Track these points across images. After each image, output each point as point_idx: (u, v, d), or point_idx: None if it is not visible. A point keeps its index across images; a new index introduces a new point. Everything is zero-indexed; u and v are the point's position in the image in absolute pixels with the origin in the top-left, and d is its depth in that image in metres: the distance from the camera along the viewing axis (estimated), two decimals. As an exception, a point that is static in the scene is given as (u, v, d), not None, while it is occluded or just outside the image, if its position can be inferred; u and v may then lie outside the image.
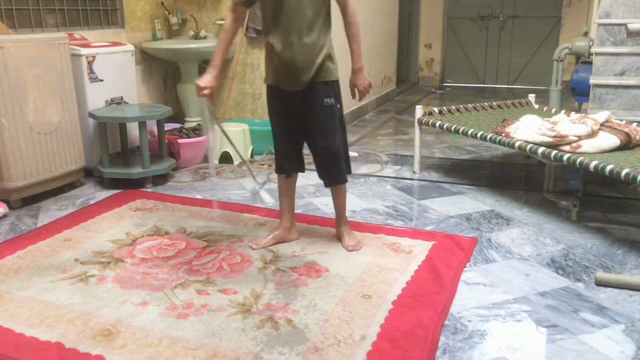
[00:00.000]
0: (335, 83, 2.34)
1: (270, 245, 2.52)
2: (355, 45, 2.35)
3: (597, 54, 3.77)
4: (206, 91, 2.26)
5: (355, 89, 2.39)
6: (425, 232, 2.69)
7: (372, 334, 1.83)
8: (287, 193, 2.54)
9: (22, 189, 3.04)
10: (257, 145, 4.02)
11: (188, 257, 2.44)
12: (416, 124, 3.60)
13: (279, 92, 2.34)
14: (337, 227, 2.57)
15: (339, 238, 2.54)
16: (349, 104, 5.28)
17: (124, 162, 3.53)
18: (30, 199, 3.13)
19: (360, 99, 2.45)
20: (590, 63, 4.07)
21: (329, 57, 2.31)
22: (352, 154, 4.17)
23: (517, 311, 1.99)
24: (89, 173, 3.56)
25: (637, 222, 2.85)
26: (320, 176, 2.46)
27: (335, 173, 2.42)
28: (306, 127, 2.36)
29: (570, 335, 1.85)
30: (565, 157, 2.70)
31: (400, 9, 6.77)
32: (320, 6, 2.25)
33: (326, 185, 2.47)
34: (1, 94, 2.86)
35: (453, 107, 3.75)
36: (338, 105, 2.35)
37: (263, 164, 3.81)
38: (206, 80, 2.27)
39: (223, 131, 2.61)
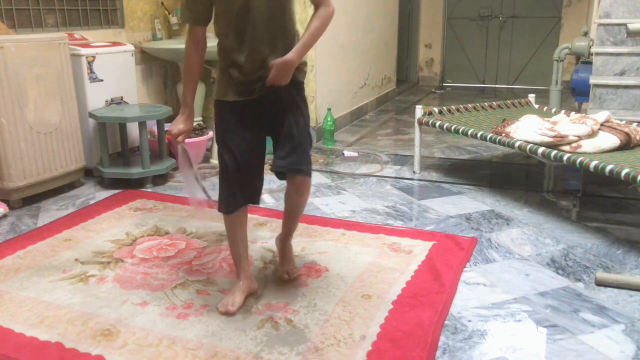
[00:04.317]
0: (301, 84, 2.01)
1: (242, 304, 2.03)
2: (310, 37, 1.86)
3: (597, 54, 3.77)
4: (180, 138, 1.98)
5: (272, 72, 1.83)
6: (425, 232, 2.69)
7: (372, 334, 1.83)
8: (240, 236, 2.06)
9: (22, 189, 3.04)
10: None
11: (188, 257, 2.44)
12: (416, 124, 3.60)
13: (238, 106, 1.93)
14: (280, 247, 2.24)
15: (281, 260, 2.24)
16: (347, 104, 5.30)
17: (124, 162, 3.53)
18: (30, 199, 3.13)
19: (269, 83, 1.84)
20: (590, 63, 4.07)
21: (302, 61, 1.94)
22: (352, 154, 4.17)
23: (517, 311, 1.99)
24: (89, 173, 3.56)
25: (637, 222, 2.85)
26: (283, 162, 1.94)
27: (301, 157, 1.93)
28: (271, 132, 2.00)
29: (570, 335, 1.85)
30: (565, 157, 2.70)
31: (400, 9, 6.77)
32: (290, 9, 1.87)
33: (288, 171, 1.95)
34: (1, 94, 2.86)
35: (453, 107, 3.75)
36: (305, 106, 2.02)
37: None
38: (178, 125, 1.97)
39: (197, 178, 2.16)
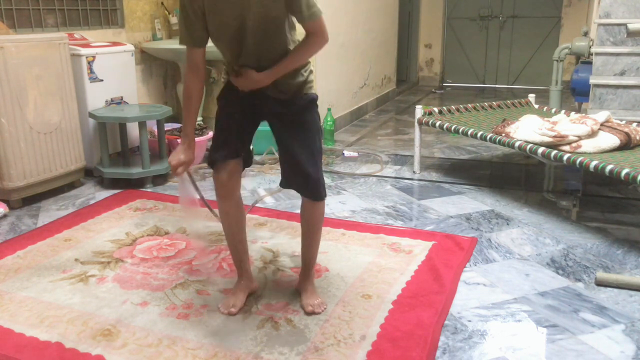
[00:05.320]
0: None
1: (243, 305, 2.03)
2: (287, 63, 1.79)
3: (597, 54, 3.77)
4: (180, 169, 1.87)
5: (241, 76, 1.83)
6: (425, 232, 2.69)
7: (372, 334, 1.83)
8: (239, 239, 2.04)
9: (22, 189, 3.04)
10: (257, 146, 4.02)
11: (188, 257, 2.44)
12: (416, 124, 3.60)
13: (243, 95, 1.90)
14: (300, 280, 2.10)
15: (299, 292, 2.09)
16: (347, 104, 5.29)
17: (124, 162, 3.53)
18: (30, 199, 3.13)
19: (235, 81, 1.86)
20: (590, 63, 4.07)
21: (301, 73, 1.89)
22: (352, 154, 4.17)
23: (517, 311, 1.99)
24: (89, 173, 3.56)
25: (637, 222, 2.85)
26: (290, 184, 1.92)
27: (310, 186, 1.88)
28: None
29: (570, 335, 1.85)
30: (565, 157, 2.70)
31: (400, 9, 6.77)
32: (286, 28, 1.80)
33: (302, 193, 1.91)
34: (1, 94, 2.86)
35: (453, 107, 3.75)
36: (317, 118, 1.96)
37: (263, 164, 3.82)
38: (178, 155, 1.87)
39: (205, 202, 2.07)
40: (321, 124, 2.02)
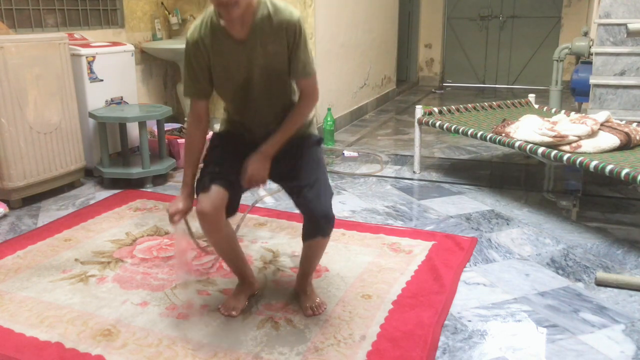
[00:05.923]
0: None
1: (245, 304, 2.03)
2: (285, 131, 1.81)
3: (597, 54, 3.77)
4: (176, 217, 1.83)
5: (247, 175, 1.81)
6: (425, 232, 2.69)
7: (372, 334, 1.84)
8: (234, 255, 2.02)
9: (22, 189, 3.04)
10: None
11: (188, 257, 2.44)
12: (416, 124, 3.60)
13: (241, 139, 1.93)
14: (298, 282, 2.07)
15: (297, 294, 2.07)
16: (347, 104, 5.29)
17: (124, 162, 3.53)
18: (30, 199, 3.13)
19: (246, 185, 1.84)
20: (590, 63, 4.07)
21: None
22: (352, 154, 4.17)
23: (517, 311, 1.99)
24: (89, 173, 3.56)
25: (637, 222, 2.85)
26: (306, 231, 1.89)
27: (319, 224, 1.86)
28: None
29: (570, 335, 1.85)
30: (565, 157, 2.70)
31: (400, 9, 6.77)
32: (286, 86, 1.85)
33: (315, 229, 1.87)
34: (1, 94, 2.86)
35: (453, 107, 3.75)
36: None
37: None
38: (177, 204, 1.84)
39: (201, 248, 2.16)
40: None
